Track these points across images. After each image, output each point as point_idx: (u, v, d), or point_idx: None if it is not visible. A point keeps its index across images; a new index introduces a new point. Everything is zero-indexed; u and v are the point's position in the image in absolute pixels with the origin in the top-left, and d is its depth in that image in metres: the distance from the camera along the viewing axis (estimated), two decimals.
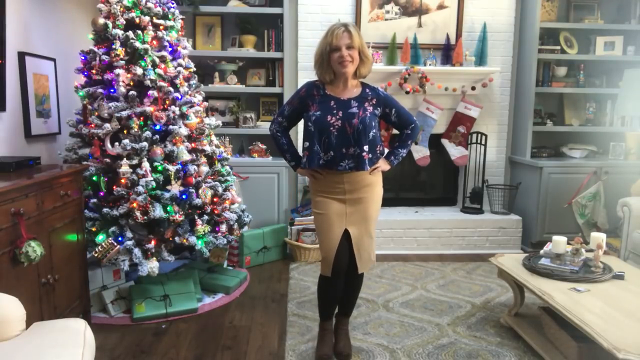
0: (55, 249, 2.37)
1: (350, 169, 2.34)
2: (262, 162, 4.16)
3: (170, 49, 3.08)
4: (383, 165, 2.47)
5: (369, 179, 2.42)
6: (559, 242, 2.71)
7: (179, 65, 3.12)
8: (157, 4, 3.05)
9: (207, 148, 3.17)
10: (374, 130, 2.36)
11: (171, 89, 2.99)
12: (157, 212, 2.77)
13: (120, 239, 2.79)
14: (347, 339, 2.58)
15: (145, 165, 2.84)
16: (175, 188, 2.87)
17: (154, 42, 3.01)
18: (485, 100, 4.45)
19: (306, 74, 4.06)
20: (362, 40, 2.34)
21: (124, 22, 2.95)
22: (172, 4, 3.18)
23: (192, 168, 2.98)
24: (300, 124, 2.48)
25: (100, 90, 2.94)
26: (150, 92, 2.92)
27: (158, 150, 2.88)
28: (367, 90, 2.42)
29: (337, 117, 2.32)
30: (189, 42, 3.33)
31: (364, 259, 2.47)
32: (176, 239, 2.90)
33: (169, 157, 2.93)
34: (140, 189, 2.76)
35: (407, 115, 2.51)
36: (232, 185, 3.33)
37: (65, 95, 3.42)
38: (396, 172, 4.60)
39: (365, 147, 2.33)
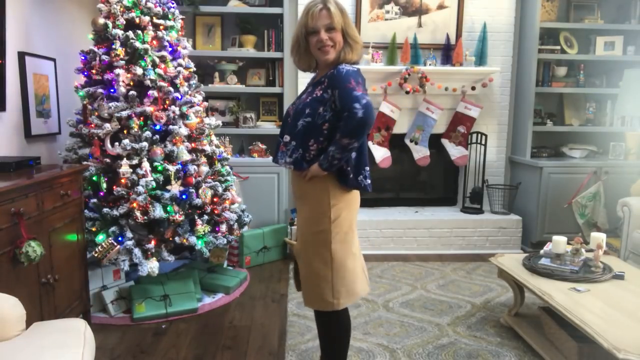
0: (55, 249, 2.37)
1: (285, 163, 1.98)
2: (262, 162, 4.16)
3: (170, 49, 3.08)
4: (313, 168, 1.92)
5: (304, 186, 1.97)
6: (559, 242, 2.71)
7: (179, 65, 3.12)
8: (157, 4, 3.05)
9: (207, 148, 3.17)
10: (309, 119, 1.90)
11: (171, 89, 2.99)
12: (157, 212, 2.77)
13: (120, 239, 2.79)
14: None
15: (145, 165, 2.84)
16: (175, 188, 2.87)
17: (154, 42, 3.01)
18: (485, 100, 4.45)
19: (306, 74, 4.05)
20: (346, 19, 1.93)
21: (124, 22, 2.95)
22: (172, 4, 3.18)
23: (192, 168, 2.99)
24: None
25: (100, 90, 2.94)
26: (150, 92, 2.92)
27: (158, 150, 2.88)
28: (330, 71, 1.93)
29: (293, 105, 2.02)
30: (189, 42, 3.34)
31: (306, 291, 2.04)
32: (176, 239, 2.90)
33: (169, 157, 2.94)
34: (140, 189, 2.76)
35: (346, 99, 1.81)
36: (232, 185, 3.33)
37: (65, 95, 3.42)
38: (396, 172, 4.60)
39: (286, 137, 1.95)
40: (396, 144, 4.43)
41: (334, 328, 2.06)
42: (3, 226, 1.94)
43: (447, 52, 4.32)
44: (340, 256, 1.97)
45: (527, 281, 2.55)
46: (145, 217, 2.77)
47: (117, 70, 2.87)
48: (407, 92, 4.21)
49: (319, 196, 1.95)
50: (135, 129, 2.89)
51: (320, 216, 1.95)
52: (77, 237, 2.63)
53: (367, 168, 1.99)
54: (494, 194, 4.43)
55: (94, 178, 2.89)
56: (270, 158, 4.21)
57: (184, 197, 2.87)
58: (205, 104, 3.38)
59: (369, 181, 1.99)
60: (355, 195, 2.03)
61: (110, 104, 2.88)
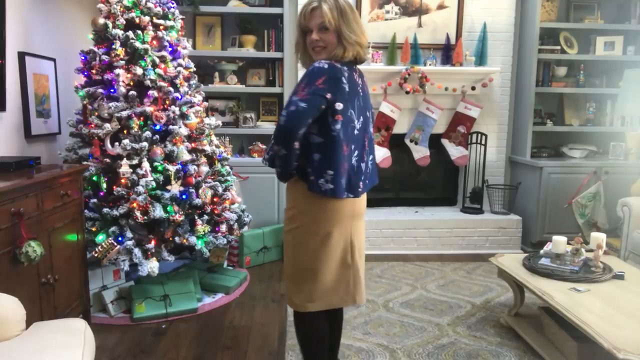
0: (55, 249, 2.37)
1: (263, 160, 1.99)
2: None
3: (170, 49, 3.08)
4: None
5: (287, 186, 1.97)
6: (559, 242, 2.71)
7: (179, 65, 3.12)
8: (157, 4, 3.05)
9: (207, 148, 3.17)
10: (305, 127, 1.81)
11: (171, 89, 2.99)
12: (157, 212, 2.77)
13: (120, 239, 2.79)
14: None
15: (145, 165, 2.84)
16: (175, 188, 2.87)
17: (154, 42, 3.01)
18: (485, 100, 4.45)
19: None
20: (344, 18, 1.82)
21: (124, 22, 2.95)
22: (172, 4, 3.18)
23: (192, 168, 2.99)
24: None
25: (100, 90, 2.94)
26: (150, 92, 2.92)
27: (158, 150, 2.88)
28: None
29: None
30: (189, 42, 3.33)
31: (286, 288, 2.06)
32: (176, 239, 2.90)
33: (169, 157, 2.93)
34: (140, 189, 2.76)
35: (288, 100, 1.78)
36: (232, 185, 3.33)
37: (65, 95, 3.42)
38: (396, 172, 4.60)
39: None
40: (396, 144, 4.43)
41: (300, 331, 2.03)
42: (3, 226, 1.94)
43: (447, 52, 4.32)
44: (305, 261, 1.92)
45: (527, 281, 2.55)
46: (145, 217, 2.77)
47: (117, 70, 2.87)
48: (407, 92, 4.21)
49: (292, 198, 1.94)
50: (135, 129, 2.89)
51: (290, 218, 1.95)
52: (77, 237, 2.63)
53: (331, 172, 1.80)
54: (494, 194, 4.43)
55: (94, 178, 2.89)
56: None
57: (184, 197, 2.87)
58: (205, 104, 3.38)
59: (330, 186, 1.80)
60: (330, 203, 1.86)
61: (110, 104, 2.88)
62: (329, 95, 1.76)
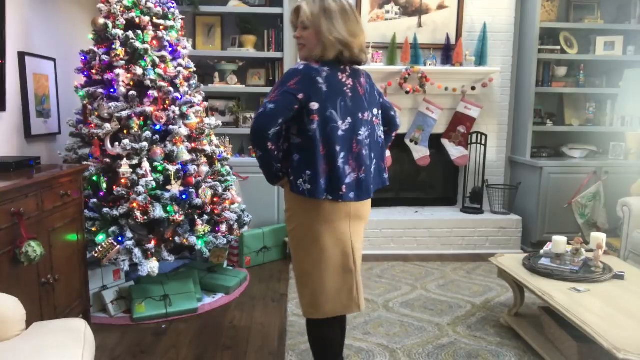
0: (55, 249, 2.37)
1: None
2: None
3: (170, 49, 3.08)
4: None
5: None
6: (559, 242, 2.71)
7: (179, 65, 3.12)
8: (157, 4, 3.05)
9: (207, 148, 3.17)
10: (277, 128, 1.79)
11: (171, 89, 2.99)
12: (157, 212, 2.77)
13: (120, 239, 2.79)
14: None
15: (145, 165, 2.84)
16: (175, 188, 2.87)
17: (154, 42, 3.01)
18: (485, 100, 4.45)
19: None
20: (326, 16, 1.81)
21: (124, 22, 2.95)
22: (172, 4, 3.18)
23: (192, 168, 2.99)
24: None
25: (100, 90, 2.94)
26: (150, 92, 2.92)
27: (158, 150, 2.88)
28: None
29: None
30: (189, 42, 3.34)
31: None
32: (176, 239, 2.90)
33: (169, 157, 2.94)
34: (140, 189, 2.76)
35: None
36: (232, 185, 3.33)
37: (65, 95, 3.42)
38: (396, 172, 4.60)
39: None
40: (396, 144, 4.43)
41: (309, 335, 2.04)
42: (3, 226, 1.94)
43: (447, 52, 4.32)
44: (303, 264, 1.94)
45: (527, 281, 2.55)
46: (145, 217, 2.77)
47: (117, 70, 2.87)
48: (407, 92, 4.21)
49: (287, 200, 1.96)
50: (135, 129, 2.89)
51: (287, 219, 1.97)
52: (77, 237, 2.63)
53: (309, 172, 1.80)
54: (494, 194, 4.43)
55: (94, 178, 2.89)
56: None
57: (184, 197, 2.87)
58: (205, 104, 3.38)
59: (308, 186, 1.80)
60: (317, 205, 1.85)
61: (110, 104, 2.88)
62: (301, 96, 1.76)
